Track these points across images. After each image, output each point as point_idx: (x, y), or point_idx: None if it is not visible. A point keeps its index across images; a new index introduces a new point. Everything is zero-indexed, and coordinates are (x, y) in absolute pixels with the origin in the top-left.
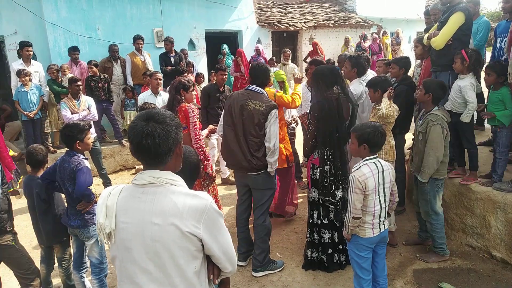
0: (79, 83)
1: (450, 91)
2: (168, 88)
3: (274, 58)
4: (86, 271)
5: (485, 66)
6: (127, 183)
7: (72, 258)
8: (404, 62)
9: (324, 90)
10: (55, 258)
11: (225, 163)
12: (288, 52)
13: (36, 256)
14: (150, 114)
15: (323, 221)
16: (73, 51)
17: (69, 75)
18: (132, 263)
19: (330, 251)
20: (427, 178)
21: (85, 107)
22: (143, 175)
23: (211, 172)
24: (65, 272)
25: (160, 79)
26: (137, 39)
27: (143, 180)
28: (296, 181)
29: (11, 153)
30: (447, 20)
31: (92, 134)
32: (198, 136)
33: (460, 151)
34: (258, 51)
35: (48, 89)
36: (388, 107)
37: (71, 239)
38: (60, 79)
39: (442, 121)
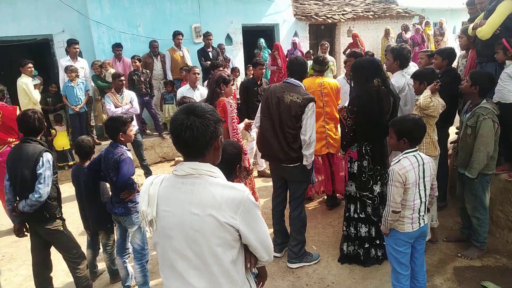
0: (122, 78)
1: (497, 83)
2: (206, 82)
3: (311, 51)
4: (129, 256)
5: None
6: (167, 174)
7: (116, 244)
8: (448, 54)
9: (364, 83)
10: (100, 244)
11: (261, 155)
12: (326, 45)
13: (82, 241)
14: (191, 108)
15: (360, 215)
16: (117, 47)
17: (111, 70)
18: (173, 250)
19: (366, 246)
20: (476, 174)
21: (127, 101)
22: (183, 166)
23: (248, 165)
24: (109, 257)
25: (198, 74)
26: (177, 35)
27: (183, 171)
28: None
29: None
30: (495, 8)
31: (134, 127)
32: (236, 130)
33: (508, 146)
34: (294, 44)
35: (92, 84)
36: (427, 98)
37: (115, 226)
38: (103, 75)
39: (493, 114)
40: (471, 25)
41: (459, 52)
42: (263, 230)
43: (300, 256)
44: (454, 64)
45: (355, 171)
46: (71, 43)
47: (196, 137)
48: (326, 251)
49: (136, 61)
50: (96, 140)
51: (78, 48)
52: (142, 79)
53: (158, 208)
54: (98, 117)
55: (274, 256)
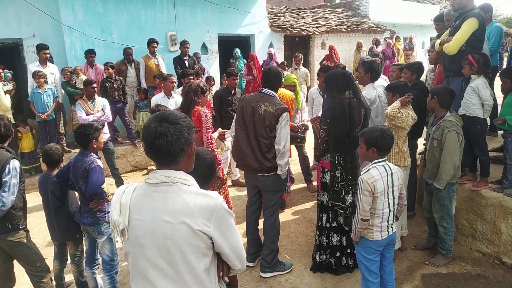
0: (94, 85)
1: (464, 96)
2: (182, 90)
3: (285, 62)
4: (98, 267)
5: (499, 72)
6: (139, 182)
7: (85, 255)
8: (416, 68)
9: (336, 95)
10: (68, 255)
11: (236, 164)
12: (300, 57)
13: (49, 253)
14: (164, 115)
15: (332, 224)
16: (90, 54)
17: (83, 77)
18: (144, 259)
19: (338, 254)
20: (444, 185)
21: (99, 109)
22: (156, 174)
23: (222, 175)
24: (78, 268)
25: (175, 82)
26: (152, 43)
27: (155, 179)
28: (306, 185)
29: None
30: (460, 26)
31: (106, 134)
32: (210, 140)
33: (471, 157)
34: (270, 55)
35: (63, 91)
36: (394, 108)
37: (84, 236)
38: (74, 81)
39: (457, 127)
40: (438, 41)
41: (428, 66)
42: (236, 238)
43: (273, 266)
44: (423, 78)
45: (327, 181)
46: (41, 48)
47: (171, 144)
48: (299, 260)
49: (109, 68)
50: (66, 148)
51: (48, 54)
52: (115, 86)
53: (130, 217)
54: (75, 125)
55: (247, 266)
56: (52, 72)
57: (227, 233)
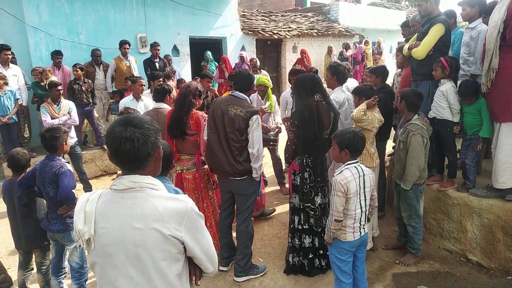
0: (60, 87)
1: (432, 99)
2: (151, 91)
3: (258, 63)
4: (65, 276)
5: None
6: (104, 189)
7: (51, 263)
8: (380, 71)
9: (305, 98)
10: (34, 264)
11: (209, 167)
12: (255, 60)
13: (12, 262)
14: (128, 119)
15: (304, 226)
16: (57, 55)
17: (52, 78)
18: (113, 269)
19: (311, 256)
20: (411, 186)
21: (65, 112)
22: (122, 180)
23: (216, 179)
24: (44, 277)
25: (144, 85)
26: (124, 44)
27: (122, 185)
28: (279, 187)
29: None
30: (428, 31)
31: (73, 138)
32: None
33: (440, 159)
34: (242, 58)
35: (26, 94)
36: (360, 111)
37: (51, 244)
38: (44, 83)
39: (422, 130)
40: (407, 45)
41: (395, 70)
42: (208, 241)
43: (247, 270)
44: (390, 82)
45: (298, 183)
46: (2, 49)
47: (137, 149)
48: (272, 263)
49: (78, 69)
50: (32, 153)
51: (9, 54)
52: (83, 88)
53: (96, 225)
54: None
55: (221, 270)
56: (15, 73)
57: (198, 237)
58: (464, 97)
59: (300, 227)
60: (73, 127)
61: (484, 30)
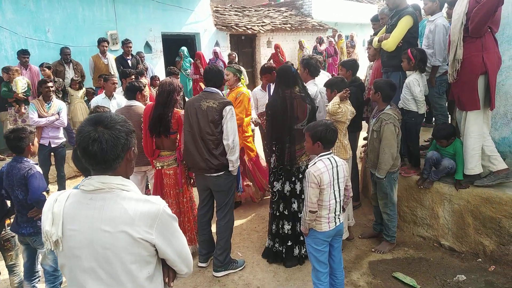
0: (50, 84)
1: (402, 90)
2: (124, 88)
3: (235, 58)
4: (39, 280)
5: None
6: (73, 189)
7: (23, 268)
8: (350, 65)
9: (283, 89)
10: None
11: (187, 167)
12: (234, 55)
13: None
14: (100, 118)
15: (284, 212)
16: (23, 54)
17: (19, 78)
18: (82, 271)
19: (289, 243)
20: (385, 174)
21: (55, 112)
22: (91, 180)
23: (194, 177)
24: (18, 278)
25: (116, 83)
26: (102, 42)
27: (91, 186)
28: None
29: None
30: (396, 23)
31: (61, 139)
32: None
33: (408, 148)
34: (216, 54)
35: None
36: (335, 104)
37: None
38: (13, 82)
39: (394, 119)
40: (376, 38)
41: (368, 63)
42: (181, 243)
43: (226, 264)
44: (363, 74)
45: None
46: None
47: (106, 151)
48: (251, 257)
49: (45, 69)
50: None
51: None
52: (53, 88)
53: (64, 227)
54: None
55: (200, 266)
56: None
57: (171, 239)
58: (436, 140)
59: (277, 214)
60: (62, 127)
61: (441, 24)
